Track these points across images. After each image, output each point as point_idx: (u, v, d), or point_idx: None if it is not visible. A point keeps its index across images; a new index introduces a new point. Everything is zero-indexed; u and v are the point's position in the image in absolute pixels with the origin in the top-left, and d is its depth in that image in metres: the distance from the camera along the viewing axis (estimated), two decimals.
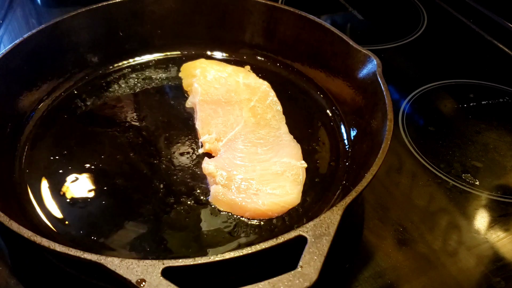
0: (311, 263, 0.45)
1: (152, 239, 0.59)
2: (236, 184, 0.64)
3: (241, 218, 0.62)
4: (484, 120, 0.84)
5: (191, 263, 0.45)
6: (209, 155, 0.70)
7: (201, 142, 0.72)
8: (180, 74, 0.85)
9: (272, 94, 0.80)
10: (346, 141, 0.74)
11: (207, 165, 0.66)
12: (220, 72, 0.82)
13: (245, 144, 0.70)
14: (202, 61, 0.85)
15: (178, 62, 0.88)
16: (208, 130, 0.73)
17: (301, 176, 0.67)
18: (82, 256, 0.45)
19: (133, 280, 0.43)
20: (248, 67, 0.86)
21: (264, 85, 0.81)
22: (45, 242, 0.47)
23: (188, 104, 0.80)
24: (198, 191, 0.65)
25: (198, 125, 0.74)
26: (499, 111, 0.87)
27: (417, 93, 0.89)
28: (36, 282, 0.57)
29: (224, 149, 0.70)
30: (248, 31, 0.89)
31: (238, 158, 0.68)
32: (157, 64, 0.88)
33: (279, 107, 0.78)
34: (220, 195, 0.63)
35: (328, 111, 0.80)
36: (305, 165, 0.68)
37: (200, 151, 0.71)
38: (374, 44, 1.02)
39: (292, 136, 0.73)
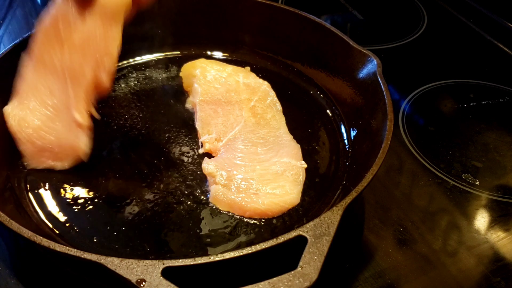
0: (311, 263, 0.45)
1: (152, 239, 0.59)
2: (236, 184, 0.64)
3: (241, 218, 0.62)
4: (484, 120, 0.84)
5: (191, 263, 0.45)
6: (209, 155, 0.70)
7: (201, 142, 0.72)
8: (180, 74, 0.85)
9: (272, 94, 0.80)
10: (346, 141, 0.74)
11: (207, 165, 0.66)
12: (220, 72, 0.82)
13: (245, 144, 0.70)
14: (202, 61, 0.85)
15: (178, 62, 0.87)
16: (208, 130, 0.73)
17: (301, 176, 0.67)
18: (82, 256, 0.45)
19: (133, 280, 0.43)
20: (248, 68, 0.86)
21: (264, 85, 0.81)
22: (45, 242, 0.47)
23: (188, 104, 0.80)
24: (198, 191, 0.65)
25: (198, 125, 0.74)
26: (499, 111, 0.87)
27: (417, 93, 0.89)
28: (36, 282, 0.57)
29: (224, 149, 0.70)
30: (248, 31, 0.89)
31: (238, 158, 0.68)
32: (157, 64, 0.88)
33: (279, 107, 0.78)
34: (220, 195, 0.63)
35: (328, 111, 0.80)
36: (305, 165, 0.68)
37: (200, 151, 0.71)
38: (374, 44, 1.02)
39: (292, 136, 0.73)
